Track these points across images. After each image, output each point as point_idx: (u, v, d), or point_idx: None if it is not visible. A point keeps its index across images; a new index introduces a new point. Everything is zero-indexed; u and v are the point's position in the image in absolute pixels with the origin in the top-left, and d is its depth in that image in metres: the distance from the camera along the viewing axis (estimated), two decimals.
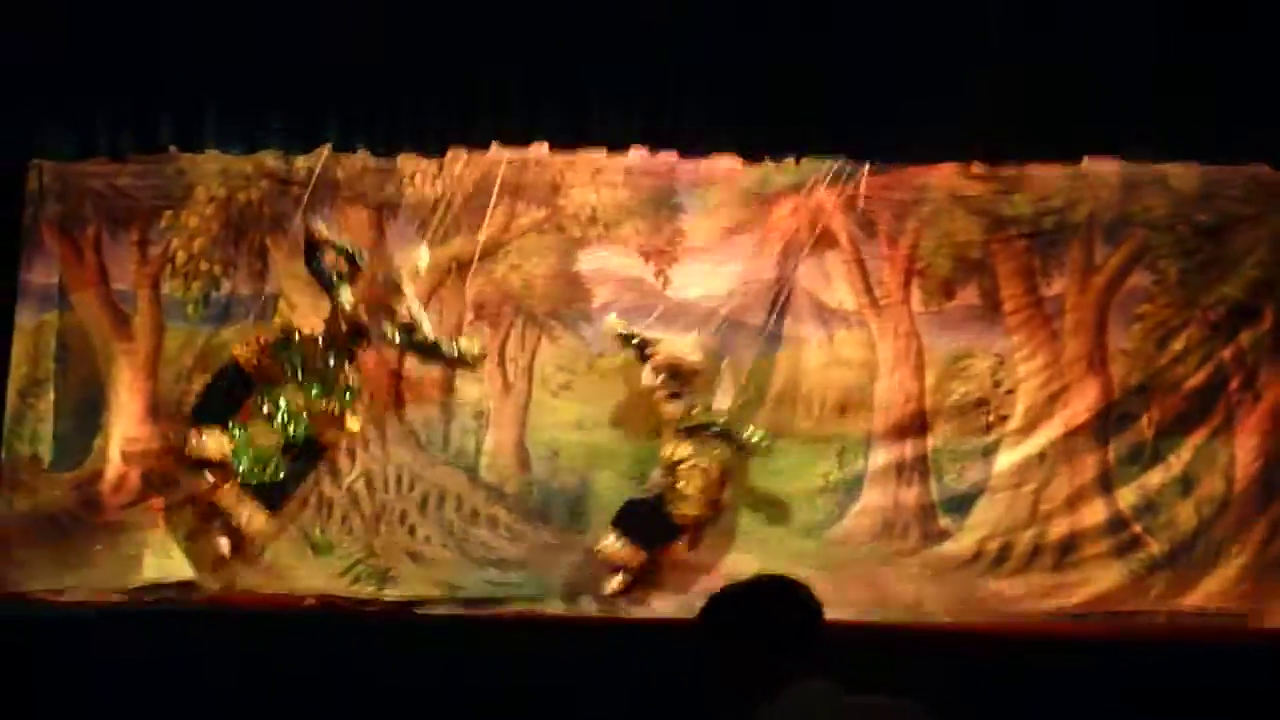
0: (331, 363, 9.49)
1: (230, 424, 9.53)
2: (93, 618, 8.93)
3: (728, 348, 9.87)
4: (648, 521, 9.50)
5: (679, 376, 9.57)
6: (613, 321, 9.70)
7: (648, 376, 9.57)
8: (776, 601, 3.74)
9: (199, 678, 7.83)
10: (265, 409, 9.50)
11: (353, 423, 9.62)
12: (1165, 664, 8.09)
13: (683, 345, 9.63)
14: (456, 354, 9.61)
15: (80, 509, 9.82)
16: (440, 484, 9.84)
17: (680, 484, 9.48)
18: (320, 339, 9.50)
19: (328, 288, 9.45)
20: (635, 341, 9.62)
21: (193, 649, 8.13)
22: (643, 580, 9.55)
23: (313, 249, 9.48)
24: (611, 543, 9.46)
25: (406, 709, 7.82)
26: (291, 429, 9.48)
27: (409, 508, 9.81)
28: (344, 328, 9.46)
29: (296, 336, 9.54)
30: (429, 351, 9.65)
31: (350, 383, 9.55)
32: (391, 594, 9.63)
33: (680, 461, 9.49)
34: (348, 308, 9.41)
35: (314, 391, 9.48)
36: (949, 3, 8.96)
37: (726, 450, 9.56)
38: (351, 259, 9.44)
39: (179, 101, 9.31)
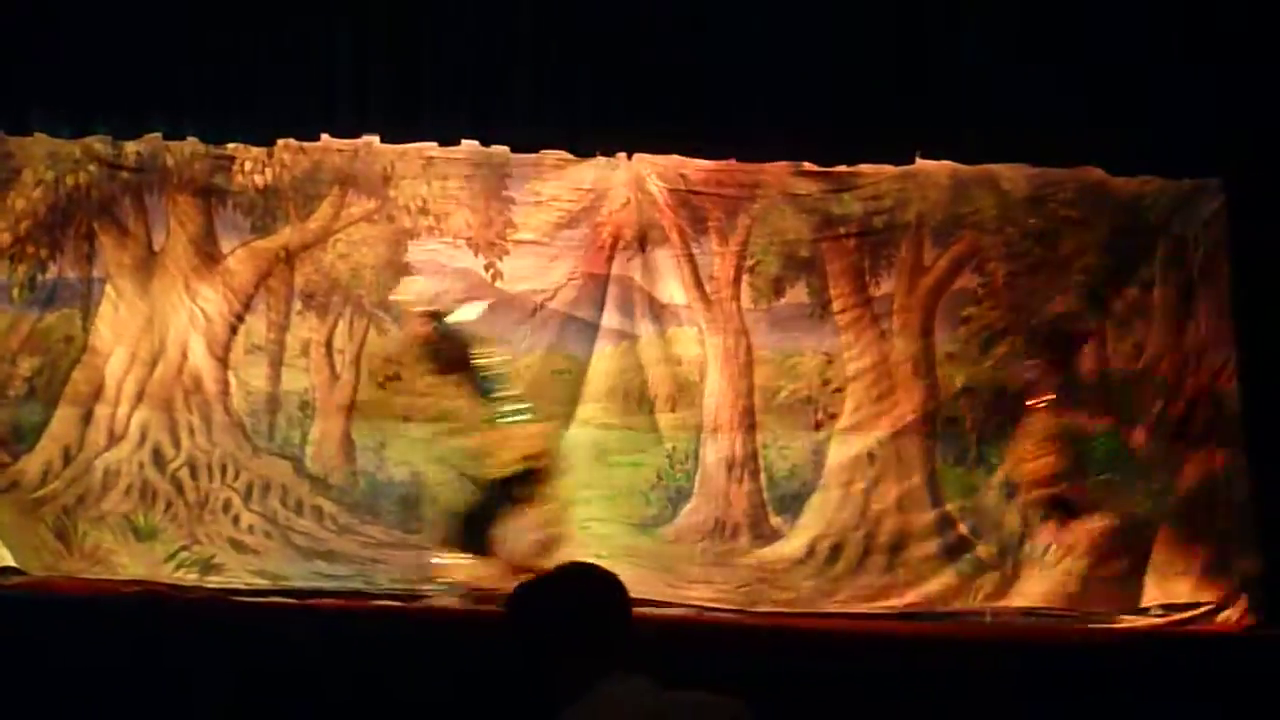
0: None
1: None
2: None
3: (560, 341, 9.87)
4: None
5: None
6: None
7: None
8: (580, 592, 3.61)
9: (16, 664, 7.73)
10: None
11: None
12: (993, 663, 8.12)
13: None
14: None
15: None
16: (265, 474, 9.79)
17: None
18: None
19: None
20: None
21: (10, 635, 8.02)
22: None
23: None
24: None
25: (227, 697, 7.74)
26: None
27: (233, 496, 9.75)
28: None
29: None
30: None
31: None
32: (214, 582, 9.55)
33: None
34: None
35: None
36: (782, 2, 8.96)
37: None
38: None
39: (6, 85, 9.17)
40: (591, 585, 3.63)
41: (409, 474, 9.81)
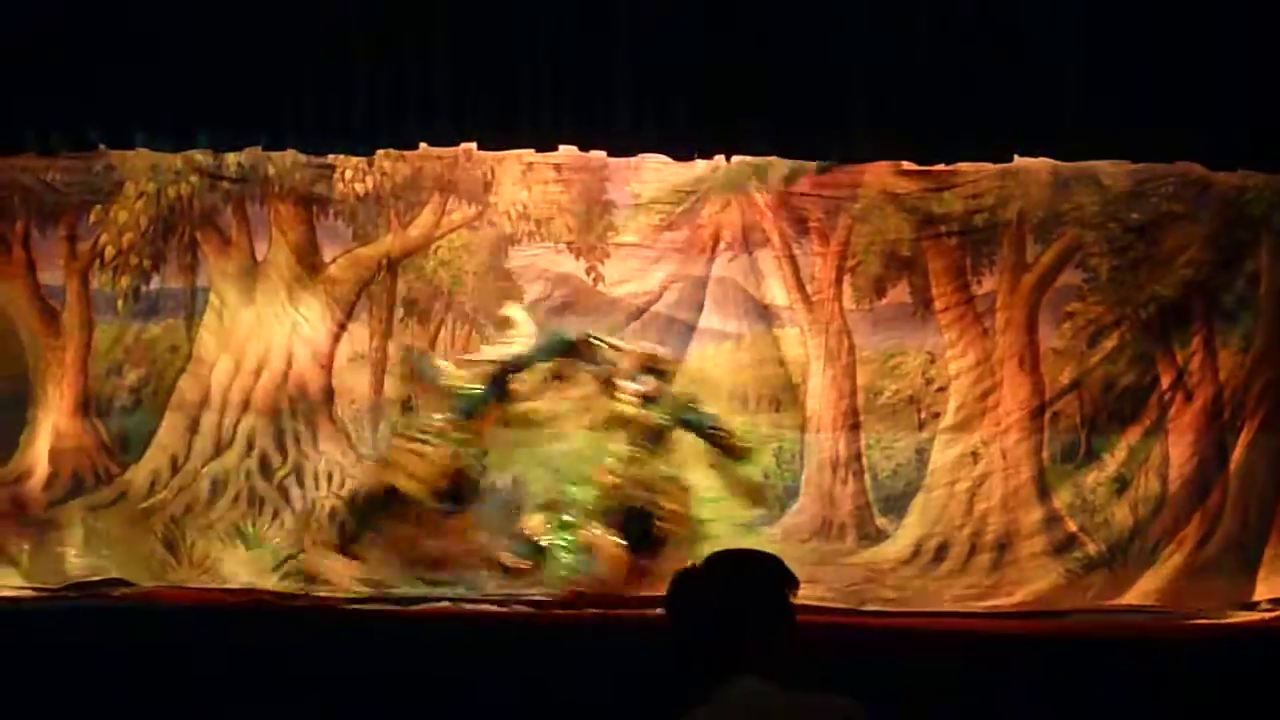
0: None
1: None
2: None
3: (661, 344, 9.87)
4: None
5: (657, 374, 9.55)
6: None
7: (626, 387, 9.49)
8: (728, 581, 3.49)
9: (127, 673, 7.76)
10: None
11: None
12: (1102, 660, 8.06)
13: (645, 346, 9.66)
14: None
15: (8, 506, 9.75)
16: (370, 481, 9.79)
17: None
18: None
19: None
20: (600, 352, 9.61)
21: (120, 644, 8.06)
22: None
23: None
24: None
25: (335, 705, 7.76)
26: None
27: (339, 504, 9.77)
28: None
29: None
30: None
31: None
32: (321, 590, 9.53)
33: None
34: None
35: None
36: (879, 2, 8.93)
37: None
38: None
39: (109, 99, 9.22)
40: (743, 570, 3.54)
41: (510, 480, 9.81)
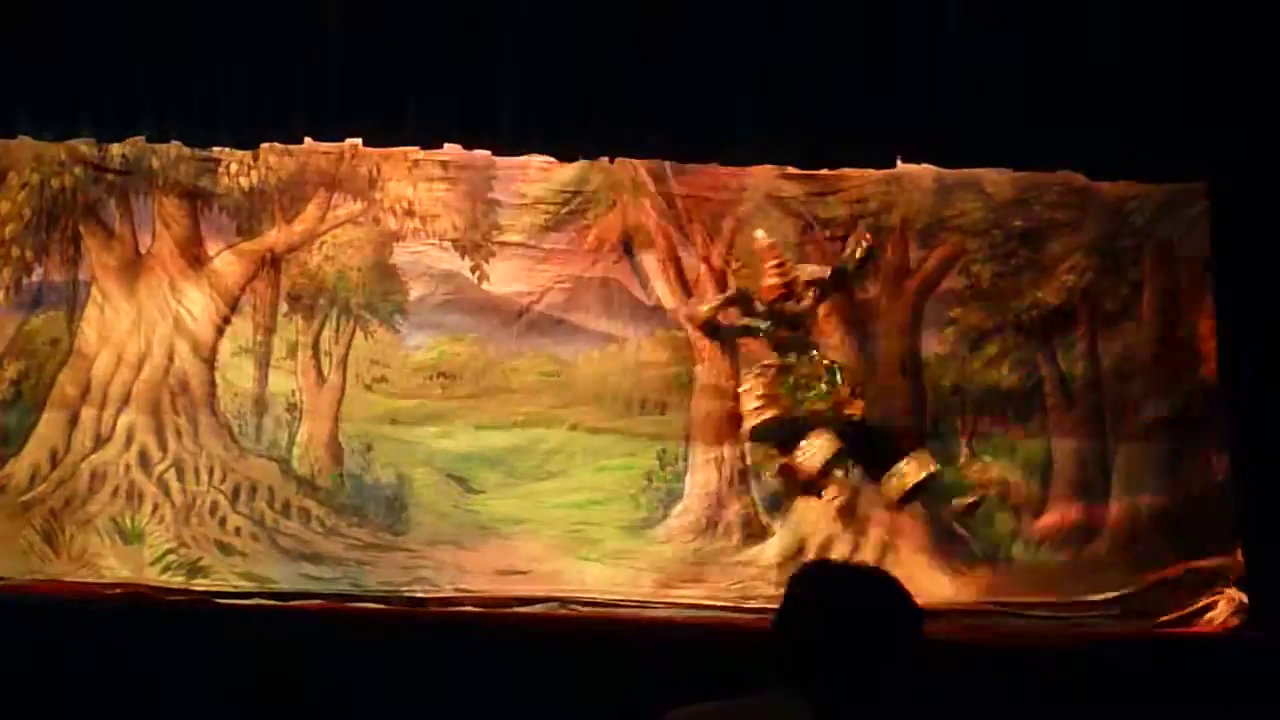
0: None
1: None
2: None
3: (547, 345, 9.89)
4: None
5: None
6: None
7: None
8: (829, 600, 3.33)
9: (2, 667, 7.75)
10: None
11: None
12: (980, 664, 8.12)
13: None
14: None
15: None
16: (252, 475, 9.78)
17: None
18: None
19: None
20: None
21: None
22: None
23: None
24: None
25: (213, 700, 7.77)
26: None
27: (220, 498, 9.73)
28: None
29: None
30: None
31: None
32: (201, 584, 9.54)
33: None
34: None
35: None
36: (764, 5, 8.96)
37: None
38: None
39: None
40: (848, 594, 3.36)
41: (395, 476, 9.81)
